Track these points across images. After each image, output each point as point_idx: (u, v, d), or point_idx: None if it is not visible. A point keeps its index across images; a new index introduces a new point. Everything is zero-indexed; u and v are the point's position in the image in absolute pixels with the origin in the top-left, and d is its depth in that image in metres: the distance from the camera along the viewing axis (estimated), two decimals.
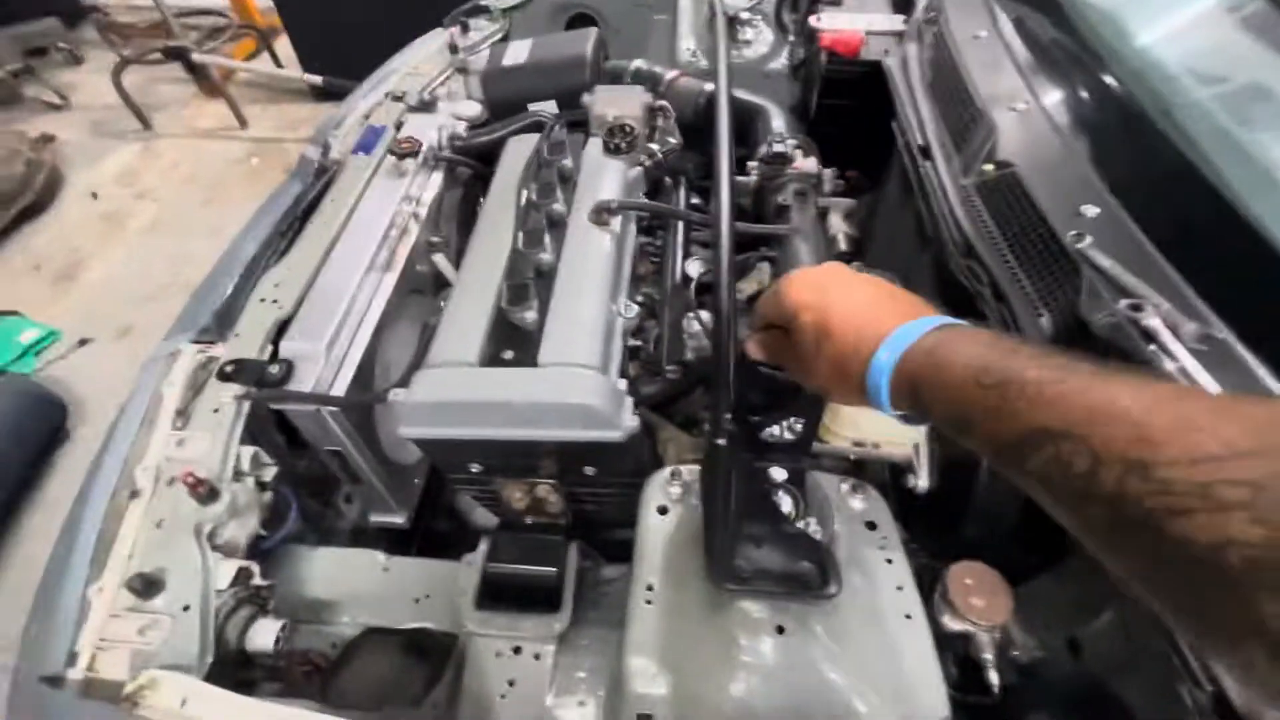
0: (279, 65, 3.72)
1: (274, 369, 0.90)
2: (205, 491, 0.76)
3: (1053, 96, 0.91)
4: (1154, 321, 0.62)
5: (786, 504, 0.65)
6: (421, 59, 1.57)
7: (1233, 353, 0.60)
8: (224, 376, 0.90)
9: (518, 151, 1.09)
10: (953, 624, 0.66)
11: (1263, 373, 0.58)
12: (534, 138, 1.10)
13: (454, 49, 1.57)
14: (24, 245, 2.86)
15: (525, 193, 0.96)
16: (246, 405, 0.88)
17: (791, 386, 0.59)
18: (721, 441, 0.62)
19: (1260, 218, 0.66)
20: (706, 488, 0.62)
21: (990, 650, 0.66)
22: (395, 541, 1.14)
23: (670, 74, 1.34)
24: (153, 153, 3.41)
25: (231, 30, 3.71)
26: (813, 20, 1.33)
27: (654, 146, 1.09)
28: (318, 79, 3.30)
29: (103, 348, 2.37)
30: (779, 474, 0.65)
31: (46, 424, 2.03)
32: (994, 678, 0.65)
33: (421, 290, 1.22)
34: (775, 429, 0.67)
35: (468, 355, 0.77)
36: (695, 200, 1.27)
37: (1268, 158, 0.71)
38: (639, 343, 0.94)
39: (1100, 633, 0.64)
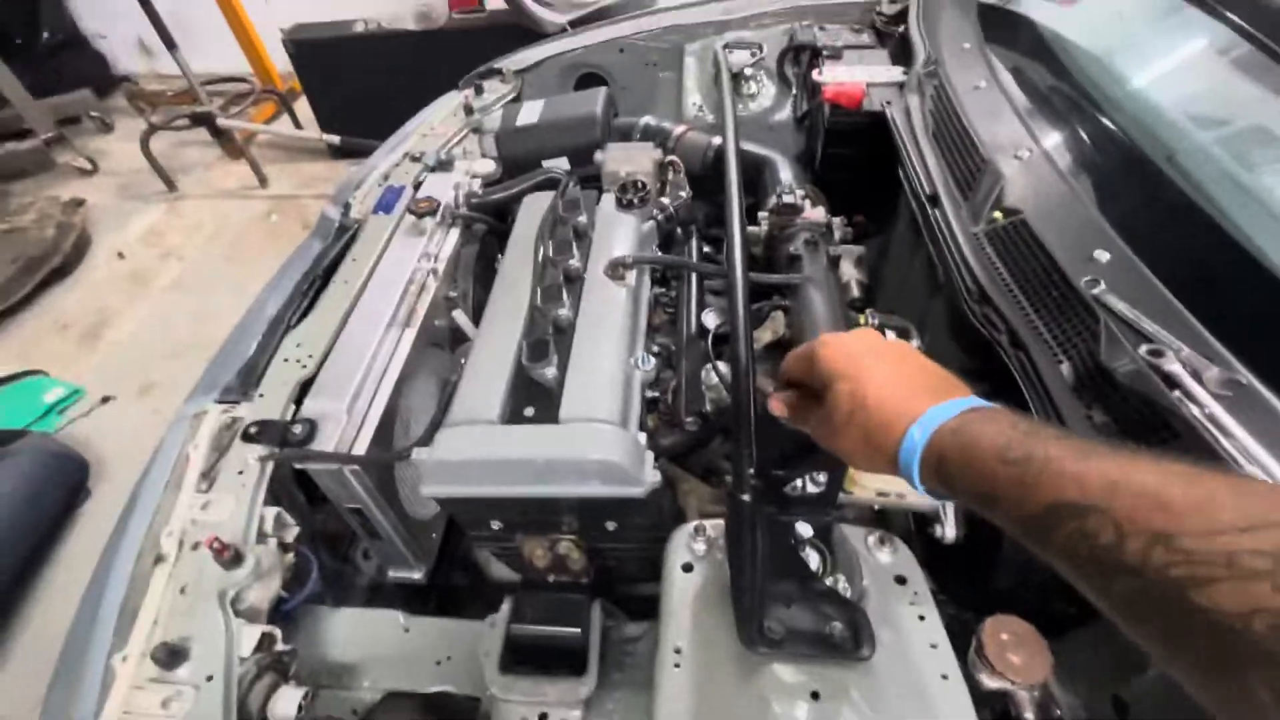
0: (298, 126, 3.87)
1: (297, 429, 0.91)
2: (230, 556, 0.76)
3: (1055, 143, 0.94)
4: (1175, 367, 0.62)
5: (814, 560, 0.64)
6: (438, 120, 1.63)
7: (1259, 397, 0.59)
8: (248, 438, 0.92)
9: (534, 208, 1.12)
10: (990, 682, 0.64)
11: None
12: (549, 195, 1.14)
13: (469, 110, 1.64)
14: (52, 305, 2.94)
15: (542, 249, 0.99)
16: (270, 466, 0.89)
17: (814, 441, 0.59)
18: (746, 497, 0.62)
19: (1273, 259, 0.66)
20: (733, 546, 0.61)
21: (1031, 710, 0.63)
22: (412, 597, 1.13)
23: (678, 129, 1.38)
24: (177, 213, 3.53)
25: (255, 95, 3.88)
26: (815, 74, 1.38)
27: (665, 200, 1.12)
28: (335, 139, 3.42)
29: (125, 405, 2.41)
30: (805, 529, 0.65)
31: (68, 482, 2.05)
32: None
33: (439, 344, 1.24)
34: (799, 482, 0.67)
35: (489, 413, 0.78)
36: (707, 249, 1.30)
37: (1275, 199, 0.72)
38: (656, 394, 0.94)
39: (1146, 690, 0.62)
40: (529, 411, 0.78)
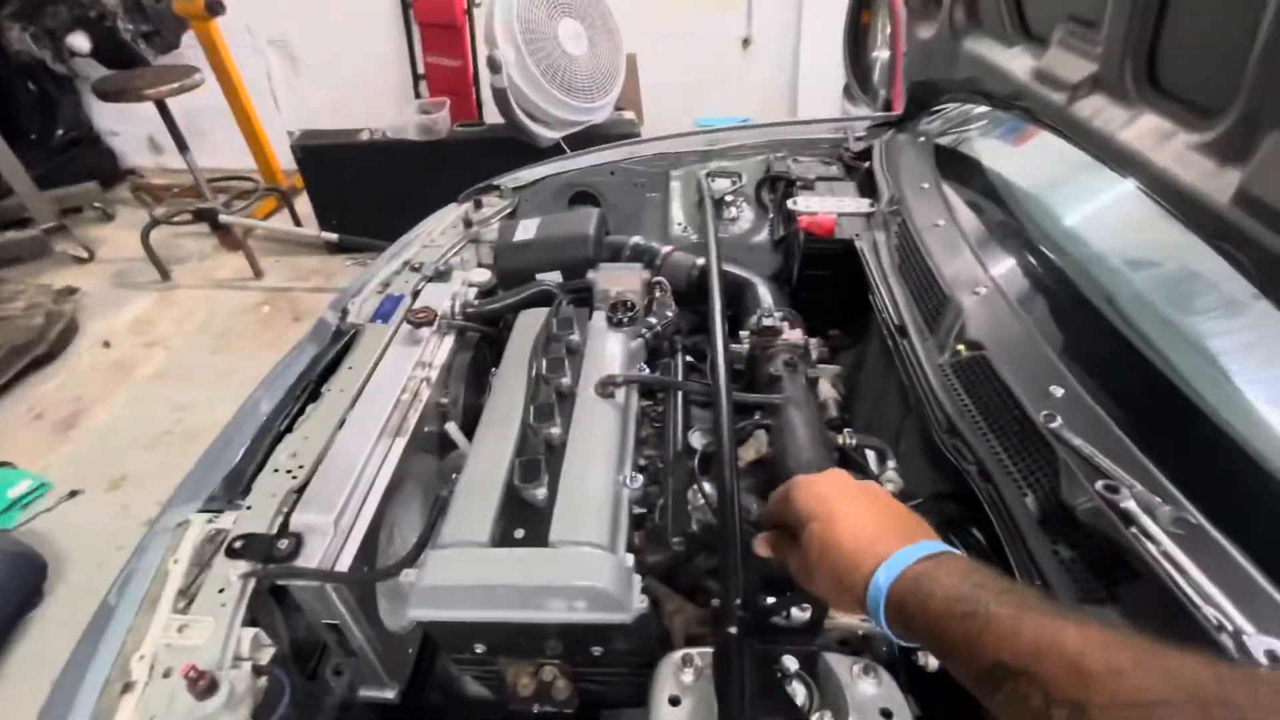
0: (297, 223, 4.02)
1: (283, 544, 0.90)
2: (205, 685, 0.74)
3: (1008, 281, 1.03)
4: (1130, 504, 0.66)
5: (800, 695, 0.65)
6: (439, 232, 1.73)
7: (1208, 536, 0.63)
8: (233, 553, 0.91)
9: (528, 325, 1.18)
10: None
11: (1240, 558, 0.61)
12: (544, 311, 1.20)
13: (468, 223, 1.74)
14: (29, 393, 2.90)
15: (535, 366, 1.03)
16: (252, 583, 0.87)
17: None
18: (733, 630, 0.63)
19: (1210, 404, 0.72)
20: (721, 683, 0.62)
21: None
22: (384, 717, 1.08)
23: (665, 249, 1.48)
24: (169, 302, 3.58)
25: (259, 192, 4.05)
26: (790, 204, 1.51)
27: (653, 319, 1.19)
28: (334, 236, 3.56)
29: (92, 499, 2.33)
30: (791, 663, 0.65)
31: (23, 585, 1.95)
32: None
33: (429, 450, 1.25)
34: (785, 611, 0.68)
35: (479, 535, 0.79)
36: (689, 359, 1.36)
37: (1211, 346, 0.80)
38: (643, 510, 0.96)
39: None
40: (519, 533, 0.80)
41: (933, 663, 0.77)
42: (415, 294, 1.46)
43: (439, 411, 1.28)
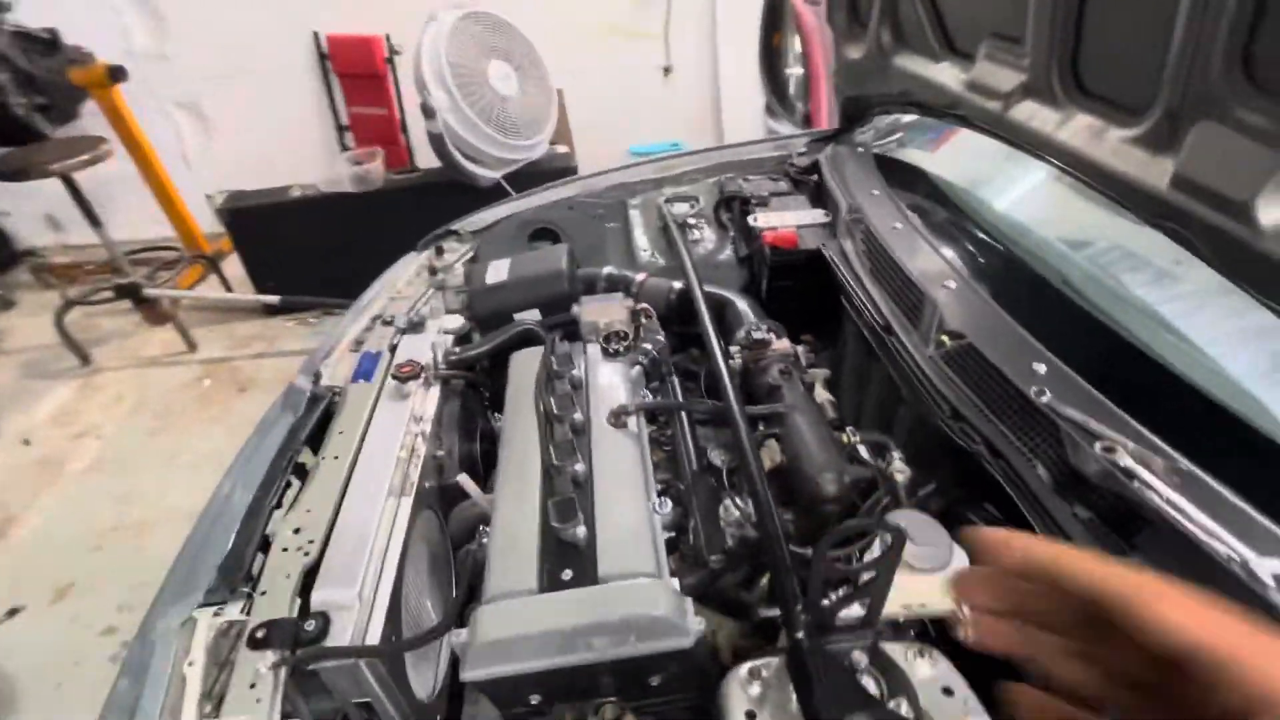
0: (228, 289, 3.84)
1: (309, 625, 0.86)
2: None
3: (972, 272, 1.12)
4: (1129, 462, 0.73)
5: (871, 687, 0.67)
6: (403, 283, 1.70)
7: (1198, 478, 0.71)
8: (255, 643, 0.86)
9: (524, 366, 1.18)
10: None
11: (1226, 492, 0.69)
12: (535, 352, 1.20)
13: (433, 271, 1.73)
14: None
15: (544, 405, 1.04)
16: (285, 673, 0.83)
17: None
18: (800, 635, 0.65)
19: (1170, 360, 0.81)
20: (801, 691, 0.63)
21: None
22: None
23: (639, 276, 1.52)
24: (93, 388, 3.33)
25: (183, 262, 3.85)
26: (751, 220, 1.57)
27: (646, 345, 1.21)
28: (274, 298, 3.42)
29: (36, 614, 2.13)
30: (861, 658, 0.68)
31: None
32: None
33: (431, 505, 1.23)
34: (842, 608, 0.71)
35: (526, 583, 0.79)
36: (676, 378, 1.39)
37: (1161, 311, 0.89)
38: (671, 533, 0.97)
39: None
40: (566, 574, 0.79)
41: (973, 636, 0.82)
42: (393, 348, 1.43)
43: (435, 465, 1.26)
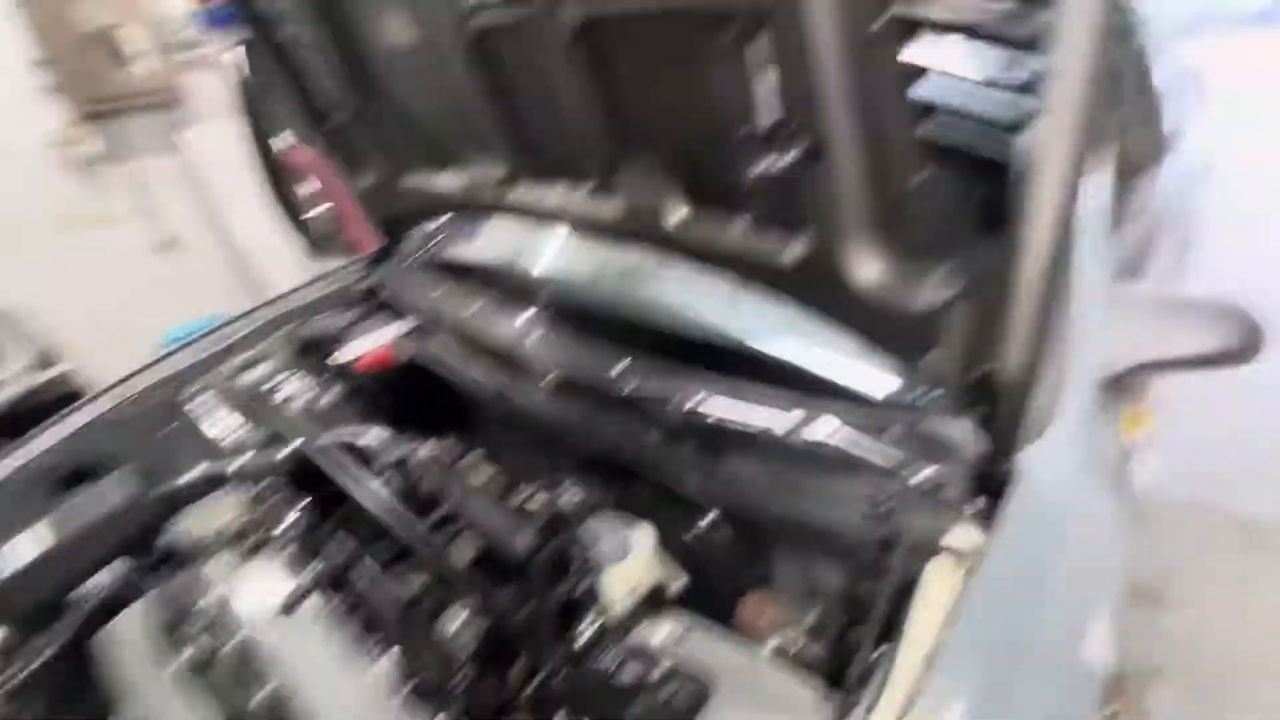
0: None
1: None
2: None
3: (541, 321, 1.35)
4: (690, 403, 1.02)
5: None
6: None
7: (734, 387, 1.03)
8: None
9: (126, 640, 0.93)
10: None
11: (750, 390, 1.02)
12: (133, 614, 0.95)
13: None
14: None
15: (183, 658, 0.84)
16: None
17: None
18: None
19: (690, 317, 1.16)
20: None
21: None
22: None
23: (238, 462, 1.32)
24: None
25: None
26: (338, 356, 1.54)
27: (285, 524, 1.08)
28: None
29: None
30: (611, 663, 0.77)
31: None
32: None
33: None
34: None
35: None
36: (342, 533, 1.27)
37: (675, 296, 1.24)
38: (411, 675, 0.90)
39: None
40: None
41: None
42: None
43: None
